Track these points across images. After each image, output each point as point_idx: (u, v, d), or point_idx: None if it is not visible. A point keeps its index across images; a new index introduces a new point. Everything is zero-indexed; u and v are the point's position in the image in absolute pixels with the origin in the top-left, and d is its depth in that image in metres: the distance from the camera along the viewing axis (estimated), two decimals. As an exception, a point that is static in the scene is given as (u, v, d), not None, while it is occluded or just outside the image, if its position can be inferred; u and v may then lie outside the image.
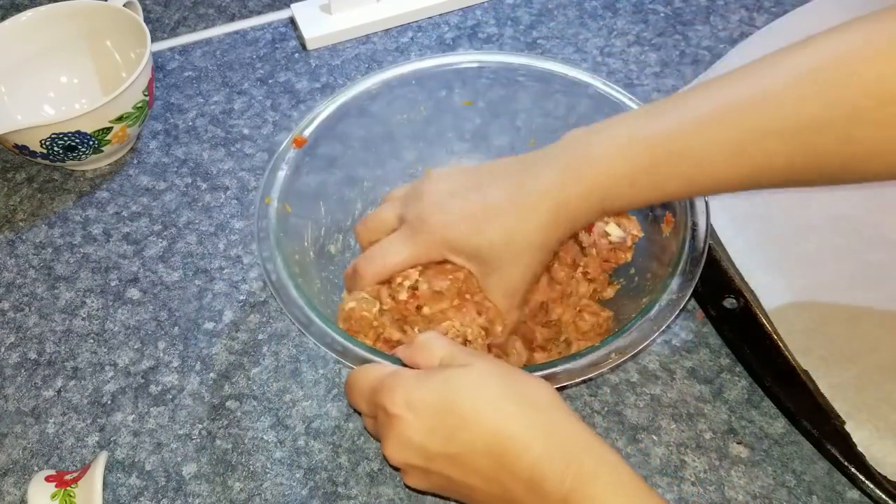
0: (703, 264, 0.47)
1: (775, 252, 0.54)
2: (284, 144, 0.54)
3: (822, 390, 0.48)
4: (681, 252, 0.47)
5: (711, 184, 0.42)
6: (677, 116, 0.41)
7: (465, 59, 0.58)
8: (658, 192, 0.43)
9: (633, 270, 0.52)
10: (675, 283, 0.46)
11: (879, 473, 0.45)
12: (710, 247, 0.55)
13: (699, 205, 0.49)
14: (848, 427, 0.46)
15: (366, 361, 0.43)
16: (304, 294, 0.46)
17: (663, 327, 0.44)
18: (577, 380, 0.43)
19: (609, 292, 0.53)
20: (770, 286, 0.53)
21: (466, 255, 0.46)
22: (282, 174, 0.52)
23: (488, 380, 0.39)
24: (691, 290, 0.46)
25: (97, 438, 0.51)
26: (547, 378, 0.41)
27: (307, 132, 0.54)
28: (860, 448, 0.45)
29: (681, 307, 0.45)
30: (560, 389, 0.41)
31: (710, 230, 0.55)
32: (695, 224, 0.49)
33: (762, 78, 0.40)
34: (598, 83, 0.55)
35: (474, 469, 0.38)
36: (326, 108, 0.55)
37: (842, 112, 0.37)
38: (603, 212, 0.44)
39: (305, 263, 0.52)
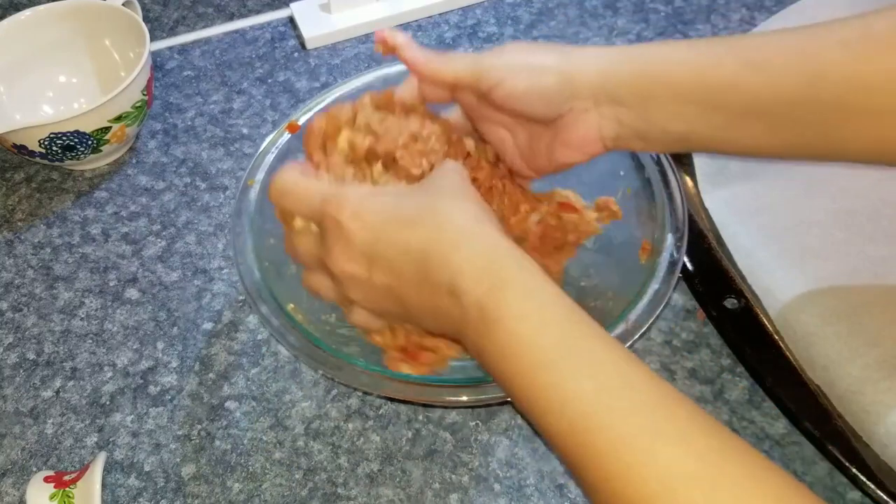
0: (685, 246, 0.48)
1: (778, 247, 0.54)
2: (277, 130, 0.55)
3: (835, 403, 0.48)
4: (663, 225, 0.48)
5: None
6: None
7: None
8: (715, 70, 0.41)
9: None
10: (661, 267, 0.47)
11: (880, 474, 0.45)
12: (710, 247, 0.55)
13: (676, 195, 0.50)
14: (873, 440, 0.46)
15: (298, 340, 0.44)
16: (265, 276, 0.47)
17: (653, 318, 0.45)
18: None
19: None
20: (772, 283, 0.52)
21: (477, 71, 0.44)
22: (270, 158, 0.53)
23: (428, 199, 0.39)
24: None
25: (96, 439, 0.51)
26: None
27: (302, 120, 0.54)
28: (884, 458, 0.45)
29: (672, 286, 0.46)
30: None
31: (712, 228, 0.56)
32: (671, 195, 0.50)
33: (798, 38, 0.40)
34: None
35: (406, 276, 0.38)
36: (324, 100, 0.56)
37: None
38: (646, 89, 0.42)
39: (282, 248, 0.52)
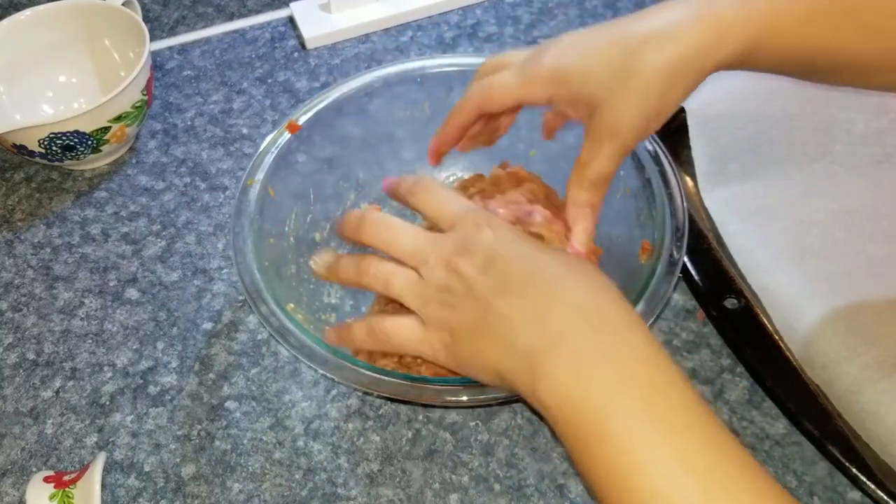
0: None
1: (777, 247, 0.54)
2: (277, 130, 0.55)
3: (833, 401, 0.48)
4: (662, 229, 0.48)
5: (889, 40, 0.39)
6: None
7: (465, 60, 0.58)
8: (829, 37, 0.39)
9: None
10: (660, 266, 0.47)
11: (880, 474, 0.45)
12: (710, 247, 0.55)
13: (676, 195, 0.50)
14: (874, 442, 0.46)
15: (294, 337, 0.44)
16: (264, 271, 0.48)
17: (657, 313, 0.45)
18: None
19: None
20: (771, 283, 0.52)
21: (570, 87, 0.41)
22: (270, 158, 0.53)
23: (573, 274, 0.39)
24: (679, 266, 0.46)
25: (96, 439, 0.51)
26: None
27: (302, 120, 0.54)
28: (884, 458, 0.45)
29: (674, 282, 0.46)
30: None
31: (712, 228, 0.56)
32: (671, 196, 0.50)
33: None
34: None
35: (516, 288, 0.37)
36: (323, 100, 0.56)
37: None
38: (752, 50, 0.38)
39: (282, 247, 0.53)
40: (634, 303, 0.45)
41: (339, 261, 0.45)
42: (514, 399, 0.48)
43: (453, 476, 0.49)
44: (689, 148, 0.59)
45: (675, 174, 0.51)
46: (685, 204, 0.49)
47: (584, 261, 0.41)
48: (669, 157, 0.52)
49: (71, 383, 0.54)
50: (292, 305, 0.48)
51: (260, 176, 0.52)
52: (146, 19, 0.73)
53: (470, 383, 0.43)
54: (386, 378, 0.43)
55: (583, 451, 0.34)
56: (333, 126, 0.57)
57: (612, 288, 0.38)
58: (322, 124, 0.56)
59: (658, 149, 0.52)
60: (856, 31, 0.38)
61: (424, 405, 0.51)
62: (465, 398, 0.43)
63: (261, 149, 0.54)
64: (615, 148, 0.41)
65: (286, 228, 0.54)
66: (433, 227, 0.44)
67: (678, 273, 0.47)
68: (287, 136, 0.54)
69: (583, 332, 0.36)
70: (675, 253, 0.47)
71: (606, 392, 0.34)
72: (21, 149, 0.60)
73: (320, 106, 0.56)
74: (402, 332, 0.41)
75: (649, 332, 0.37)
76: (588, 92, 0.40)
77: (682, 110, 0.60)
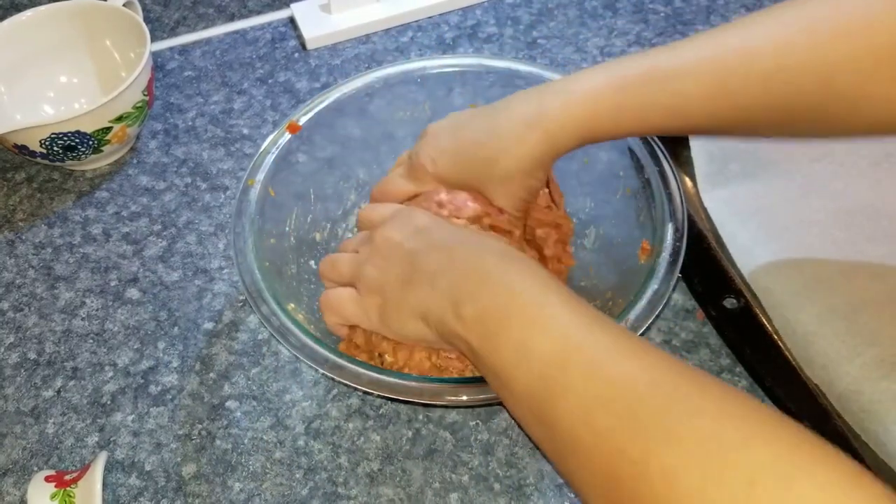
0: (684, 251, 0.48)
1: (777, 246, 0.54)
2: (277, 130, 0.55)
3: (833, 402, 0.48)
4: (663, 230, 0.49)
5: (692, 122, 0.44)
6: (656, 58, 0.44)
7: (465, 61, 0.58)
8: (639, 124, 0.45)
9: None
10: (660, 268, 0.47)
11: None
12: (709, 247, 0.55)
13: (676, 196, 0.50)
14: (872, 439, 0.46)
15: (294, 337, 0.45)
16: (265, 273, 0.49)
17: (654, 317, 0.45)
18: None
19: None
20: (771, 283, 0.52)
21: (455, 186, 0.50)
22: (271, 158, 0.53)
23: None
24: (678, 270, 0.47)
25: (97, 438, 0.51)
26: None
27: (302, 120, 0.55)
28: (883, 457, 0.45)
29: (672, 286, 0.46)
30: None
31: (711, 228, 0.56)
32: (670, 196, 0.50)
33: (750, 27, 0.43)
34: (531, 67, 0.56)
35: (438, 241, 0.43)
36: (324, 100, 0.56)
37: (823, 60, 0.40)
38: (583, 140, 0.46)
39: (283, 248, 0.53)
40: (634, 302, 0.45)
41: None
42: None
43: (453, 475, 0.49)
44: (688, 148, 0.60)
45: (674, 174, 0.51)
46: (685, 204, 0.50)
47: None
48: (669, 158, 0.52)
49: (72, 383, 0.54)
50: (293, 305, 0.48)
51: (261, 176, 0.52)
52: (147, 20, 0.73)
53: (470, 382, 0.43)
54: (385, 378, 0.43)
55: (494, 358, 0.37)
56: (334, 126, 0.57)
57: (524, 254, 0.44)
58: (323, 125, 0.56)
59: (658, 149, 0.52)
60: (662, 116, 0.44)
61: (425, 405, 0.51)
62: (464, 398, 0.43)
63: (261, 149, 0.54)
64: (514, 220, 0.50)
65: (287, 228, 0.54)
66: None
67: (677, 273, 0.47)
68: (288, 136, 0.54)
69: (493, 260, 0.40)
70: (674, 253, 0.47)
71: (509, 289, 0.38)
72: (22, 149, 0.60)
73: (321, 106, 0.56)
74: (342, 300, 0.46)
75: (544, 270, 0.41)
76: (469, 189, 0.50)
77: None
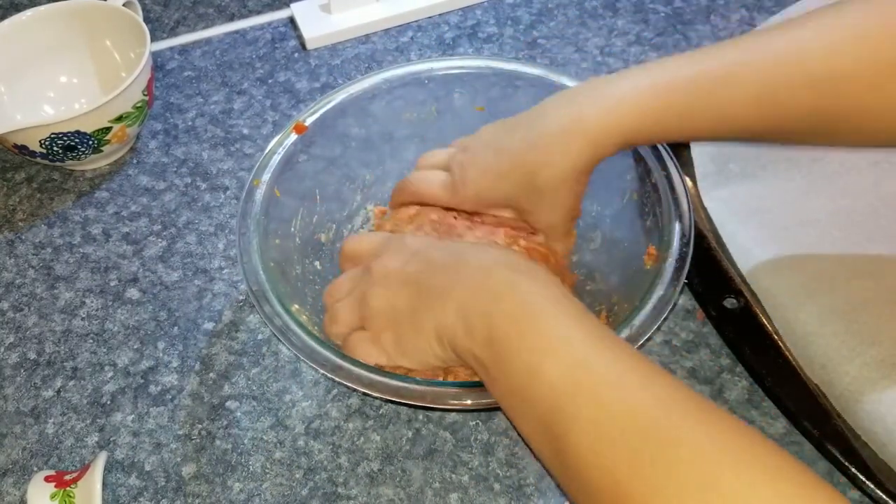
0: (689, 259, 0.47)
1: (777, 246, 0.54)
2: (284, 130, 0.55)
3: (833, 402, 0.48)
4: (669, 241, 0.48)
5: (737, 128, 0.43)
6: (701, 62, 0.43)
7: (472, 63, 0.58)
8: (684, 130, 0.44)
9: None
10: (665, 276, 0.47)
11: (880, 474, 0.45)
12: (709, 247, 0.55)
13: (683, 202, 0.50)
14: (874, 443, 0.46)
15: (297, 337, 0.45)
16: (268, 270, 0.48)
17: (658, 323, 0.45)
18: None
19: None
20: (771, 283, 0.52)
21: (497, 206, 0.50)
22: (277, 158, 0.53)
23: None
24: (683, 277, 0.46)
25: (97, 438, 0.51)
26: None
27: (308, 121, 0.54)
28: (883, 457, 0.45)
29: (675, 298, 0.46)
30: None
31: (711, 228, 0.56)
32: (677, 200, 0.50)
33: (796, 31, 0.42)
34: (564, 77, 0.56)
35: (438, 262, 0.43)
36: (330, 101, 0.56)
37: (872, 64, 0.40)
38: (626, 144, 0.45)
39: (288, 248, 0.53)
40: (639, 307, 0.45)
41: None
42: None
43: (453, 475, 0.49)
44: (689, 148, 0.60)
45: (681, 179, 0.51)
46: (692, 210, 0.49)
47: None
48: (676, 162, 0.52)
49: (72, 383, 0.54)
50: (297, 306, 0.48)
51: (266, 176, 0.52)
52: (147, 20, 0.73)
53: (474, 386, 0.43)
54: (384, 380, 0.43)
55: (506, 380, 0.37)
56: (340, 127, 0.57)
57: (532, 263, 0.42)
58: (329, 125, 0.56)
59: (665, 154, 0.52)
60: (708, 121, 0.43)
61: (426, 408, 0.51)
62: (468, 402, 0.42)
63: (267, 149, 0.54)
64: (558, 235, 0.51)
65: (292, 229, 0.54)
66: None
67: (683, 279, 0.46)
68: (294, 136, 0.54)
69: (503, 274, 0.40)
70: (680, 259, 0.47)
71: (518, 314, 0.37)
72: (22, 149, 0.60)
73: (327, 107, 0.56)
74: (359, 347, 0.45)
75: (554, 279, 0.41)
76: (511, 207, 0.50)
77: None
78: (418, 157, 0.59)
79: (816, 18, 0.42)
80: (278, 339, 0.46)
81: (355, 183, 0.59)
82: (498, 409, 0.51)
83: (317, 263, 0.55)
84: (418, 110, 0.58)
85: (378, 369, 0.44)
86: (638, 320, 0.44)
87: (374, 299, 0.44)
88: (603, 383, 0.34)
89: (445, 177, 0.51)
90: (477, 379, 0.45)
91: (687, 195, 0.50)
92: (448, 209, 0.52)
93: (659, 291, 0.46)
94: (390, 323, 0.43)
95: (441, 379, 0.45)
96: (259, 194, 0.52)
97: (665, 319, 0.45)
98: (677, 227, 0.48)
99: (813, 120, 0.42)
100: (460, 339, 0.39)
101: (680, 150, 0.59)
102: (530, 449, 0.47)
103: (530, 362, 0.36)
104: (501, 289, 0.39)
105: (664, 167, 0.51)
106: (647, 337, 0.44)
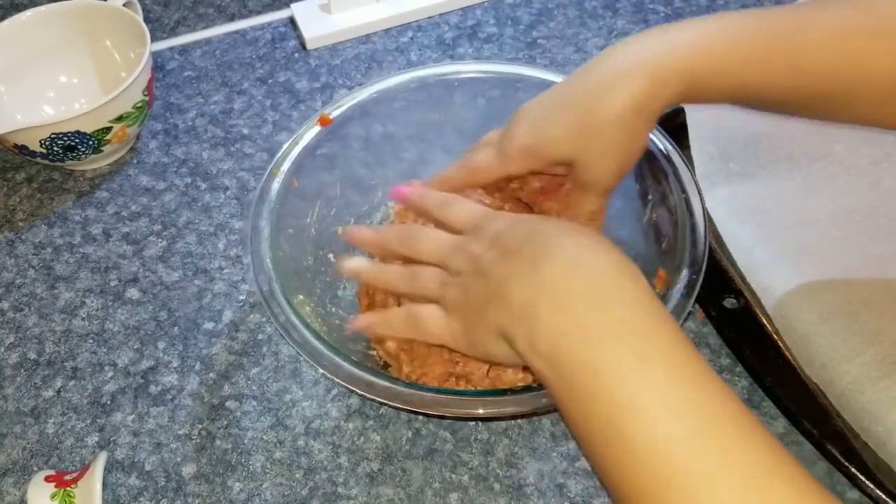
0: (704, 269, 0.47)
1: (776, 246, 0.54)
2: (308, 122, 0.55)
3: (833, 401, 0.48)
4: (682, 257, 0.47)
5: (801, 84, 0.42)
6: (769, 14, 0.42)
7: (500, 68, 0.58)
8: (745, 82, 0.42)
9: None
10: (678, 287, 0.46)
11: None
12: (709, 246, 0.55)
13: (697, 211, 0.49)
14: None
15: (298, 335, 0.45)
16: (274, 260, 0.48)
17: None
18: None
19: None
20: (770, 282, 0.53)
21: (545, 154, 0.46)
22: (297, 149, 0.54)
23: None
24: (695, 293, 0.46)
25: (97, 438, 0.51)
26: None
27: (334, 114, 0.55)
28: (882, 457, 0.45)
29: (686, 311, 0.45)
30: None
31: (711, 228, 0.56)
32: (693, 226, 0.49)
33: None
34: None
35: (525, 254, 0.38)
36: (356, 96, 0.56)
37: None
38: (688, 92, 0.42)
39: (301, 238, 0.53)
40: None
41: (380, 271, 0.47)
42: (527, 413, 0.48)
43: (453, 475, 0.49)
44: (689, 148, 0.59)
45: (701, 203, 0.49)
46: (708, 236, 0.48)
47: (587, 228, 0.41)
48: (699, 185, 0.50)
49: (72, 383, 0.54)
50: (301, 297, 0.48)
51: (286, 166, 0.53)
52: (147, 20, 0.73)
53: (475, 395, 0.43)
54: (383, 382, 0.43)
55: (576, 406, 0.34)
56: (365, 122, 0.57)
57: (608, 243, 0.38)
58: (354, 120, 0.56)
59: (688, 175, 0.51)
60: (785, 71, 0.41)
61: (426, 415, 0.51)
62: (480, 410, 0.42)
63: (291, 139, 0.54)
64: (598, 193, 0.47)
65: (308, 220, 0.54)
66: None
67: (689, 307, 0.45)
68: (318, 128, 0.55)
69: (574, 281, 0.35)
70: (689, 286, 0.46)
71: (599, 340, 0.34)
72: (22, 149, 0.60)
73: (353, 101, 0.56)
74: (430, 318, 0.42)
75: (643, 280, 0.36)
76: (561, 157, 0.46)
77: (681, 110, 0.60)
78: (440, 158, 0.58)
79: None
80: (282, 335, 0.46)
81: (377, 178, 0.59)
82: (506, 418, 0.51)
83: (330, 255, 0.55)
84: (445, 111, 0.58)
85: (391, 377, 0.44)
86: None
87: (453, 287, 0.41)
88: (703, 486, 0.30)
89: (492, 148, 0.48)
90: (482, 387, 0.45)
91: (705, 221, 0.49)
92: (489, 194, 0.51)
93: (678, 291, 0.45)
94: (463, 308, 0.41)
95: (453, 383, 0.45)
96: (276, 183, 0.52)
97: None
98: (689, 253, 0.47)
99: (887, 79, 0.40)
100: (520, 346, 0.36)
101: (681, 149, 0.59)
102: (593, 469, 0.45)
103: (608, 414, 0.32)
104: (577, 296, 0.35)
105: (683, 189, 0.50)
106: None
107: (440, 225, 0.45)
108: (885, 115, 0.43)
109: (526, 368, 0.47)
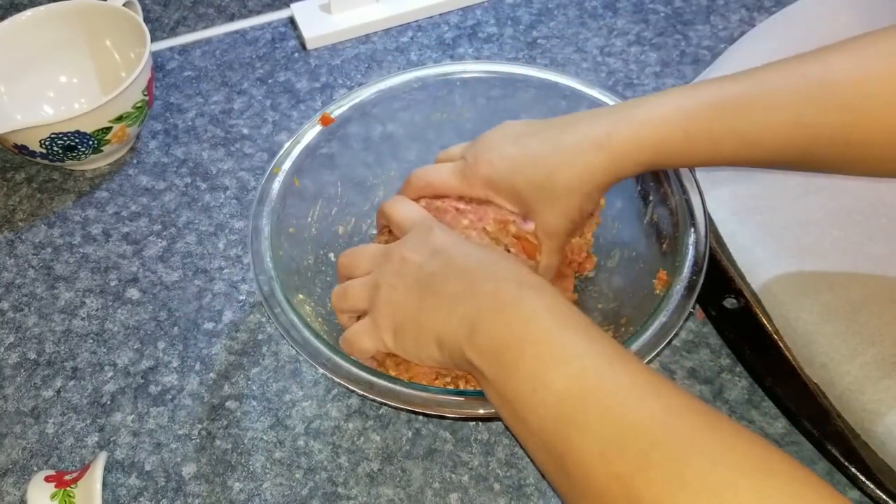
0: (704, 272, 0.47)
1: (776, 246, 0.54)
2: (310, 122, 0.55)
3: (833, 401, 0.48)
4: (682, 258, 0.48)
5: (763, 153, 0.43)
6: (729, 86, 0.43)
7: (502, 68, 0.58)
8: (708, 154, 0.44)
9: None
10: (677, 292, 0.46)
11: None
12: (709, 246, 0.55)
13: (698, 214, 0.49)
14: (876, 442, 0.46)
15: (299, 337, 0.45)
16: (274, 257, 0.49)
17: (669, 337, 0.44)
18: None
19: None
20: (771, 282, 0.52)
21: (505, 195, 0.49)
22: (299, 149, 0.54)
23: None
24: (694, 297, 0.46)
25: (97, 438, 0.51)
26: None
27: (336, 113, 0.55)
28: (882, 457, 0.45)
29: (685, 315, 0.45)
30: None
31: (711, 228, 0.56)
32: (694, 226, 0.49)
33: (828, 59, 0.42)
34: (594, 92, 0.56)
35: (458, 264, 0.42)
36: (358, 95, 0.56)
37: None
38: (649, 166, 0.45)
39: (302, 238, 0.53)
40: (639, 332, 0.44)
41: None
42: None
43: (453, 475, 0.49)
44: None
45: (703, 205, 0.50)
46: (709, 237, 0.48)
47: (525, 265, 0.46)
48: (700, 187, 0.51)
49: (72, 383, 0.54)
50: (301, 297, 0.48)
51: (287, 165, 0.53)
52: (147, 20, 0.73)
53: (473, 395, 0.43)
54: (383, 382, 0.43)
55: (507, 388, 0.37)
56: (365, 122, 0.57)
57: (543, 280, 0.42)
58: (355, 120, 0.56)
59: (689, 178, 0.51)
60: (733, 146, 0.43)
61: (426, 414, 0.51)
62: (481, 412, 0.42)
63: (292, 139, 0.54)
64: (553, 246, 0.50)
65: (309, 219, 0.54)
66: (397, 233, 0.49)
67: (689, 308, 0.45)
68: (319, 128, 0.55)
69: (511, 287, 0.39)
70: (689, 287, 0.46)
71: (524, 326, 0.37)
72: (22, 149, 0.60)
73: (355, 101, 0.56)
74: (357, 335, 0.45)
75: (563, 297, 0.40)
76: (519, 201, 0.49)
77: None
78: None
79: (848, 45, 0.42)
80: (282, 335, 0.46)
81: (379, 178, 0.59)
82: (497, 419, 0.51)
83: (331, 255, 0.55)
84: (449, 111, 0.58)
85: (385, 375, 0.44)
86: (635, 346, 0.44)
87: (385, 287, 0.44)
88: (612, 392, 0.33)
89: (457, 164, 0.51)
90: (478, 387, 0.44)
91: (706, 222, 0.49)
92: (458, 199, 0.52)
93: (661, 318, 0.45)
94: (393, 315, 0.43)
95: (446, 383, 0.45)
96: (277, 182, 0.52)
97: (666, 346, 0.44)
98: (691, 253, 0.47)
99: (840, 146, 0.42)
100: (463, 349, 0.39)
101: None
102: (530, 458, 0.46)
103: (535, 371, 0.35)
104: (509, 299, 0.38)
105: (684, 191, 0.50)
106: (646, 363, 0.43)
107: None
108: (859, 172, 0.45)
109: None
